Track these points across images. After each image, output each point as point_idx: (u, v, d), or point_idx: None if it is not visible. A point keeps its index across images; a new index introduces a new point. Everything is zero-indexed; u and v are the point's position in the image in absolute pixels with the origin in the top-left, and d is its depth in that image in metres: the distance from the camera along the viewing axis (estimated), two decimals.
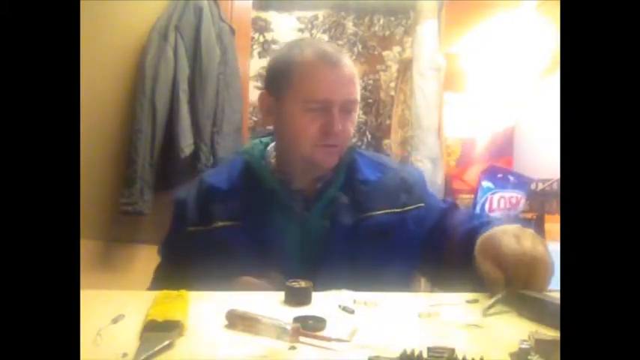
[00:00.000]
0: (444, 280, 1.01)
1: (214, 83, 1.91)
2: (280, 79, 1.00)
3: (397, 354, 0.51)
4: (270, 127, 1.09)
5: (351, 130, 1.02)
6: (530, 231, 0.82)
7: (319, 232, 0.98)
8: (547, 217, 2.37)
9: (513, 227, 0.83)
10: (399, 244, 0.99)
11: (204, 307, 0.70)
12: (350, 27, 2.72)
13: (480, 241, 0.85)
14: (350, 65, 1.00)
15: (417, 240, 1.01)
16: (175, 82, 1.87)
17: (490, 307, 0.71)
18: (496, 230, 0.84)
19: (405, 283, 1.02)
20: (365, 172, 1.05)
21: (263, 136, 1.12)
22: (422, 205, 1.03)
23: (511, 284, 0.76)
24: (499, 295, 0.73)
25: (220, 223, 0.98)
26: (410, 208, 1.01)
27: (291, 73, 0.98)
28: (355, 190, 1.01)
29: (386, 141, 2.60)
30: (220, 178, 1.05)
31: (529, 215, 2.43)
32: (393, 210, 1.00)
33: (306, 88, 0.96)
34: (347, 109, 0.98)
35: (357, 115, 1.04)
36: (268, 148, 1.08)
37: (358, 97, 1.02)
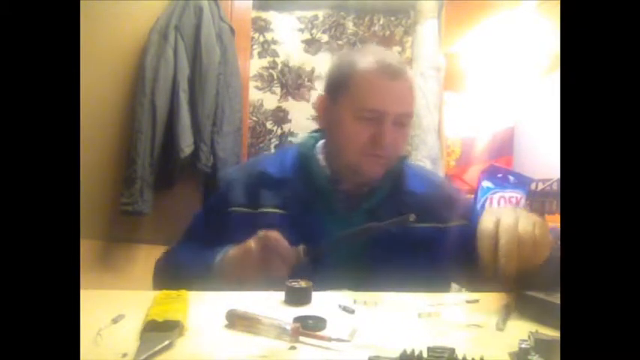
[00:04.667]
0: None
1: (214, 83, 1.90)
2: (338, 83, 1.01)
3: (397, 354, 0.51)
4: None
5: (402, 143, 1.01)
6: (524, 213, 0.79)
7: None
8: (547, 217, 2.37)
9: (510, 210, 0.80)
10: (438, 257, 0.98)
11: (204, 307, 0.70)
12: (350, 27, 2.72)
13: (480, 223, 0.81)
14: (409, 79, 0.99)
15: (458, 257, 0.98)
16: (175, 82, 1.87)
17: (504, 320, 0.68)
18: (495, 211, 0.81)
19: (440, 289, 1.00)
20: (412, 183, 1.05)
21: (314, 132, 1.13)
22: (466, 223, 1.02)
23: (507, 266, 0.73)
24: (507, 307, 0.73)
25: (268, 209, 1.00)
26: (453, 224, 1.00)
27: (349, 80, 0.99)
28: (401, 199, 1.02)
29: None
30: (273, 165, 1.07)
31: None
32: (436, 224, 1.00)
33: (362, 96, 0.96)
34: (400, 122, 0.98)
35: (410, 129, 1.04)
36: (318, 144, 1.09)
37: (412, 111, 1.01)
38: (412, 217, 0.82)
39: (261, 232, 0.88)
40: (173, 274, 1.02)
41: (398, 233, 0.95)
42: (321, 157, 1.07)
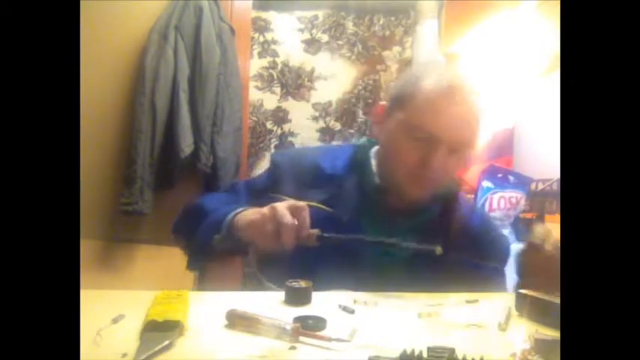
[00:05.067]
0: None
1: (214, 83, 1.90)
2: (400, 96, 0.98)
3: (397, 354, 0.51)
4: None
5: (454, 169, 0.99)
6: None
7: (394, 250, 0.94)
8: (547, 217, 2.37)
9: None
10: (459, 284, 0.93)
11: (204, 307, 0.70)
12: (350, 27, 2.72)
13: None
14: (474, 106, 0.95)
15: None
16: (175, 82, 1.87)
17: (506, 320, 0.69)
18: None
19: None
20: (464, 212, 1.03)
21: (370, 136, 1.11)
22: (500, 266, 1.00)
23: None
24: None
25: (311, 202, 0.95)
26: (489, 266, 0.98)
27: (409, 96, 0.96)
28: (448, 225, 0.99)
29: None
30: (326, 160, 1.05)
31: (529, 215, 2.42)
32: (473, 259, 0.96)
33: (418, 116, 0.93)
34: (454, 148, 0.94)
35: (468, 155, 1.00)
36: (373, 149, 1.07)
37: (473, 139, 0.98)
38: (439, 250, 0.81)
39: (291, 201, 0.87)
40: (194, 217, 1.01)
41: (431, 259, 0.90)
42: (374, 162, 1.05)
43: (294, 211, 0.84)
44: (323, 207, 0.96)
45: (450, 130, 0.92)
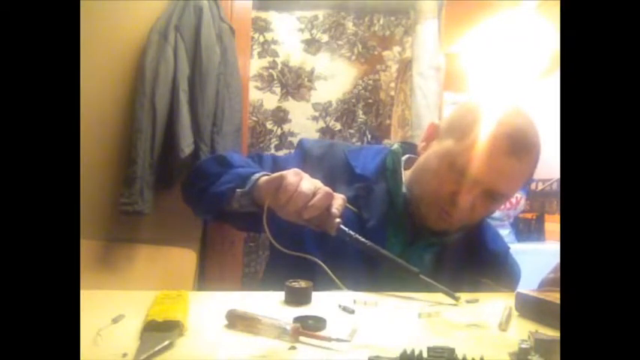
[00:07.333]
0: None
1: (214, 83, 1.90)
2: (457, 126, 0.94)
3: (397, 354, 0.51)
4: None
5: (482, 214, 0.97)
6: None
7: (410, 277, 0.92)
8: (547, 217, 2.37)
9: None
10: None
11: (204, 307, 0.70)
12: (350, 27, 2.72)
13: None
14: (530, 163, 0.92)
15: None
16: (175, 82, 1.87)
17: (507, 320, 0.69)
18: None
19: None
20: (488, 237, 1.02)
21: (403, 142, 1.09)
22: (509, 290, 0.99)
23: None
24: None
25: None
26: (500, 289, 0.94)
27: (466, 131, 0.91)
28: (467, 250, 0.98)
29: (386, 141, 2.61)
30: (357, 159, 1.03)
31: (529, 215, 2.43)
32: (485, 280, 0.95)
33: (467, 155, 0.89)
34: (491, 196, 0.92)
35: (499, 207, 0.98)
36: (403, 157, 1.05)
37: (510, 194, 0.97)
38: (459, 297, 0.79)
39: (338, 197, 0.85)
40: (218, 166, 0.99)
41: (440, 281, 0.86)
42: (404, 172, 1.02)
43: (332, 193, 0.82)
44: (349, 206, 0.93)
45: (493, 178, 0.89)
